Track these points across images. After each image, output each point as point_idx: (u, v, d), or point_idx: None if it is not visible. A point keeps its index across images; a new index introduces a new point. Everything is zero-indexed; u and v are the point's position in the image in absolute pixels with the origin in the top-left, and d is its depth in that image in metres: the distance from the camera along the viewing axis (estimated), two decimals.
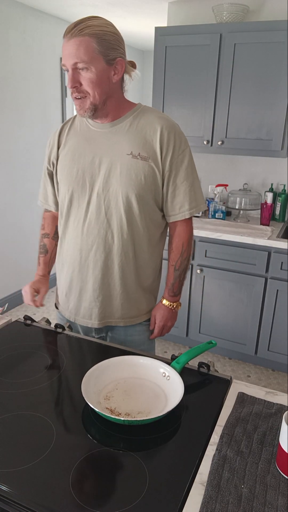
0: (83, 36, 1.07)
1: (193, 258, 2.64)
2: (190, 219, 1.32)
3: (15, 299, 3.48)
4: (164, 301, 1.38)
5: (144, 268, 1.32)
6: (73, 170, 1.25)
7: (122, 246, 1.25)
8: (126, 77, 1.22)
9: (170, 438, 0.86)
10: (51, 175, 1.36)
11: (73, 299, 1.35)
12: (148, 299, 1.39)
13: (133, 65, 1.24)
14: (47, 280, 1.49)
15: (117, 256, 1.26)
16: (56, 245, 1.47)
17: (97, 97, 1.14)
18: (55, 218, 1.47)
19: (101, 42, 1.09)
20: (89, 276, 1.29)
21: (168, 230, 1.38)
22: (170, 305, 1.38)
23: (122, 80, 1.20)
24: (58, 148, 1.30)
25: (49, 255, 1.49)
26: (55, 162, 1.31)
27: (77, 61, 1.09)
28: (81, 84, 1.13)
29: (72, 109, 3.82)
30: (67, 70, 1.13)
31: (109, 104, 1.18)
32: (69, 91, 3.85)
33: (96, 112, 1.18)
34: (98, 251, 1.26)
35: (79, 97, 1.15)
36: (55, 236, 1.48)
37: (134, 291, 1.33)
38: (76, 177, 1.25)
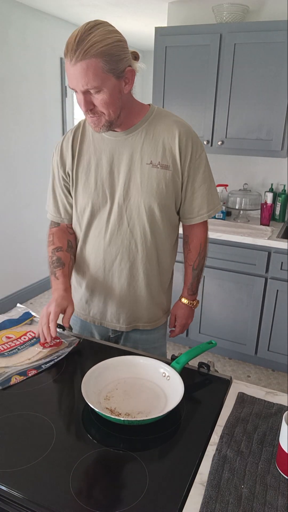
0: (89, 58, 0.98)
1: None
2: (206, 220, 1.33)
3: (15, 299, 3.48)
4: (184, 300, 1.42)
5: (166, 271, 1.34)
6: (91, 181, 1.22)
7: (147, 254, 1.26)
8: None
9: (170, 438, 0.86)
10: (66, 186, 1.29)
11: (97, 305, 1.35)
12: (167, 299, 1.42)
13: (136, 56, 1.15)
14: (70, 295, 1.25)
15: (142, 264, 1.27)
16: (71, 258, 1.33)
17: (112, 114, 1.10)
18: (64, 232, 1.35)
19: (108, 59, 1.01)
20: (114, 284, 1.29)
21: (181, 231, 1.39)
22: (190, 303, 1.42)
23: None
24: (73, 158, 1.25)
25: (67, 267, 1.30)
26: (71, 173, 1.26)
27: (87, 87, 1.03)
28: (94, 105, 1.08)
29: (72, 109, 3.82)
30: (76, 91, 1.07)
31: (122, 115, 1.14)
32: (69, 91, 3.86)
33: (111, 126, 1.14)
34: (123, 261, 1.26)
35: (94, 116, 1.11)
36: (68, 249, 1.34)
37: (158, 294, 1.34)
38: (96, 189, 1.22)
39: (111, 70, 1.03)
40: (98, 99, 1.06)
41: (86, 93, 1.05)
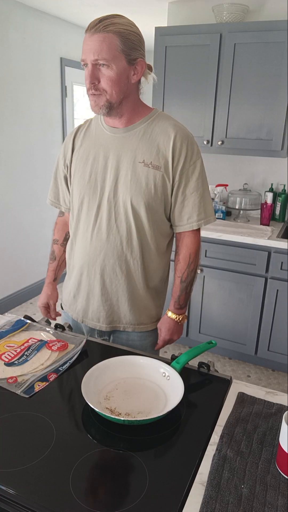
0: (108, 32, 1.06)
1: None
2: (198, 230, 1.30)
3: (15, 299, 3.48)
4: (170, 314, 1.35)
5: (152, 276, 1.32)
6: (85, 174, 1.25)
7: (131, 253, 1.25)
8: (142, 79, 1.20)
9: (170, 438, 0.86)
10: (65, 177, 1.35)
11: (81, 301, 1.36)
12: (157, 307, 1.38)
13: (149, 68, 1.23)
14: (54, 288, 1.50)
15: (125, 262, 1.26)
16: (64, 251, 1.46)
17: (115, 95, 1.13)
18: (65, 224, 1.46)
19: (124, 41, 1.08)
20: (97, 281, 1.29)
21: (174, 241, 1.36)
22: (176, 317, 1.34)
23: (138, 82, 1.19)
24: (73, 151, 1.29)
25: (56, 262, 1.48)
26: (69, 165, 1.31)
27: (98, 58, 1.07)
28: (99, 81, 1.11)
29: (72, 109, 3.82)
30: (86, 65, 1.11)
31: (124, 104, 1.17)
32: (69, 90, 3.88)
33: (111, 110, 1.16)
34: (106, 257, 1.26)
35: (96, 93, 1.13)
36: (64, 243, 1.47)
37: (143, 298, 1.32)
38: (89, 182, 1.24)
39: (124, 52, 1.09)
40: (105, 75, 1.10)
41: (95, 66, 1.10)
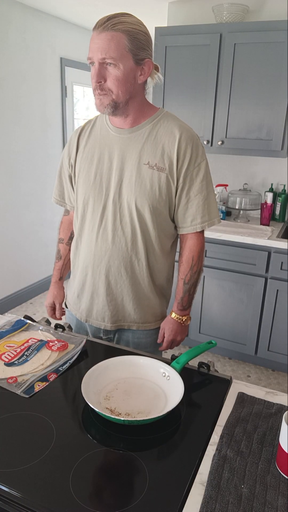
0: (116, 31, 1.05)
1: None
2: (201, 232, 1.30)
3: (15, 299, 3.48)
4: (173, 315, 1.35)
5: (157, 276, 1.32)
6: (90, 174, 1.24)
7: (136, 254, 1.25)
8: (148, 79, 1.19)
9: (170, 438, 0.86)
10: (70, 176, 1.34)
11: (85, 301, 1.36)
12: (162, 305, 1.39)
13: (156, 68, 1.21)
14: (60, 287, 1.51)
15: (130, 263, 1.26)
16: (70, 250, 1.45)
17: (121, 95, 1.12)
18: (71, 223, 1.45)
19: (132, 40, 1.07)
20: (101, 281, 1.29)
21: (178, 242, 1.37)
22: (179, 318, 1.34)
23: (145, 82, 1.18)
24: (77, 150, 1.29)
25: (62, 261, 1.49)
26: (73, 164, 1.30)
27: (105, 57, 1.06)
28: (105, 80, 1.10)
29: (72, 109, 3.82)
30: (92, 63, 1.09)
31: (130, 104, 1.16)
32: (69, 90, 3.87)
33: (116, 110, 1.15)
34: (112, 257, 1.26)
35: (101, 93, 1.12)
36: (69, 241, 1.48)
37: (148, 298, 1.32)
38: (94, 182, 1.24)
39: (131, 51, 1.08)
40: (112, 74, 1.09)
41: (101, 65, 1.08)
